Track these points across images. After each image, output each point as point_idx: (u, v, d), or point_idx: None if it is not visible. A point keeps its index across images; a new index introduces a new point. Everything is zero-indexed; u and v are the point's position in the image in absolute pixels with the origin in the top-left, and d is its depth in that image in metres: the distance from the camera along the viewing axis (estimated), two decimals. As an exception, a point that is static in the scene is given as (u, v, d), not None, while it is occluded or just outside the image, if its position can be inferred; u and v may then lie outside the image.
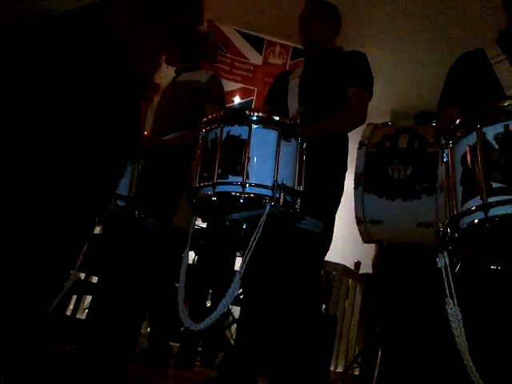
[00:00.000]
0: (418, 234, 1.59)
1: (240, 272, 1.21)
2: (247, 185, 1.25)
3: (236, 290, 1.21)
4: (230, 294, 1.20)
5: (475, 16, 3.88)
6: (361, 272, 4.23)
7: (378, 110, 4.73)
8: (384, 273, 3.06)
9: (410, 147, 1.64)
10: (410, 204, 1.56)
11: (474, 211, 1.00)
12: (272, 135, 1.32)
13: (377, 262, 3.71)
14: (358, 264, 4.39)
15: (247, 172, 1.26)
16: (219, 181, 1.27)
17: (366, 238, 1.76)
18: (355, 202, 1.75)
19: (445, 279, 1.03)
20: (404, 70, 4.84)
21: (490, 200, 0.97)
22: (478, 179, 1.00)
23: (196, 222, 1.54)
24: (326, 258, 1.87)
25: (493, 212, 0.96)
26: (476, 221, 0.99)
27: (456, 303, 1.02)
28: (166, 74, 2.62)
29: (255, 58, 4.71)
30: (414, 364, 2.48)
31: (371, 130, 1.84)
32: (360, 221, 1.71)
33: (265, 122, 1.33)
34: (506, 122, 1.00)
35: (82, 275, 3.65)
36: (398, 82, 5.03)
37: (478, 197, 0.99)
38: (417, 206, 1.54)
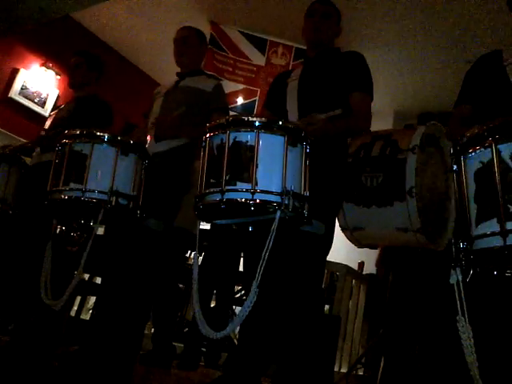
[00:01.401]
0: (398, 237, 1.61)
1: (257, 281, 1.22)
2: (256, 192, 1.26)
3: (254, 298, 1.22)
4: (248, 303, 1.22)
5: (478, 16, 3.87)
6: (364, 272, 4.22)
7: (381, 111, 4.73)
8: (387, 273, 3.05)
9: (382, 154, 1.66)
10: (385, 211, 1.58)
11: (491, 235, 0.97)
12: (278, 141, 1.33)
13: (380, 261, 3.70)
14: (361, 264, 4.38)
15: (256, 178, 1.26)
16: (228, 188, 1.27)
17: (356, 243, 1.79)
18: None
19: (457, 296, 1.02)
20: (407, 70, 4.83)
21: (508, 226, 0.94)
22: (495, 201, 0.97)
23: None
24: (329, 259, 1.87)
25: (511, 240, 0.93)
26: (494, 247, 0.97)
27: (467, 321, 1.01)
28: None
29: (258, 59, 4.72)
30: (418, 365, 2.47)
31: (349, 140, 1.86)
32: (344, 228, 1.74)
33: (271, 128, 1.33)
34: None
35: (86, 276, 3.67)
36: (400, 83, 5.03)
37: (495, 220, 0.97)
38: (391, 213, 1.56)
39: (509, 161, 0.98)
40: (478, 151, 1.04)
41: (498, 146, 0.99)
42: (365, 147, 1.74)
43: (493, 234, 0.97)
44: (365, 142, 1.76)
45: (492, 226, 0.98)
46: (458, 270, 1.04)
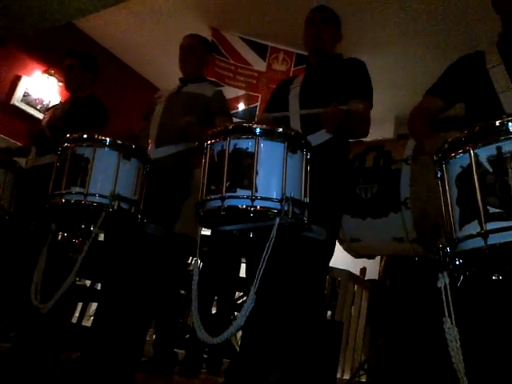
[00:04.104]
0: (395, 247, 1.61)
1: (254, 286, 1.23)
2: (256, 199, 1.26)
3: (252, 304, 1.22)
4: (245, 309, 1.22)
5: (480, 20, 3.88)
6: (366, 278, 4.21)
7: (382, 117, 4.73)
8: (392, 283, 3.03)
9: (376, 166, 1.66)
10: (380, 222, 1.58)
11: (473, 237, 1.01)
12: (278, 148, 1.33)
13: (385, 270, 3.68)
14: (363, 270, 4.37)
15: (255, 185, 1.27)
16: (228, 194, 1.28)
17: (354, 253, 1.79)
18: None
19: (444, 299, 1.04)
20: (408, 75, 4.84)
21: (489, 226, 0.97)
22: (475, 203, 1.00)
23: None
24: (331, 264, 1.87)
25: (492, 240, 0.97)
26: (475, 247, 1.00)
27: (454, 323, 1.03)
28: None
29: (259, 65, 4.73)
30: (420, 372, 2.46)
31: None
32: (341, 240, 1.73)
33: (271, 135, 1.34)
34: (497, 144, 1.00)
35: (88, 282, 3.66)
36: (402, 89, 5.03)
37: (476, 221, 1.00)
38: (386, 223, 1.56)
39: (486, 164, 1.01)
40: (457, 156, 1.08)
41: (476, 151, 1.03)
42: (358, 158, 1.74)
43: (474, 235, 1.00)
44: (358, 153, 1.76)
45: (474, 227, 1.01)
46: (446, 273, 1.06)
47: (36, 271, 1.81)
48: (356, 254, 1.77)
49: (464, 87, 1.64)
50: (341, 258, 2.46)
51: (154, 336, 3.14)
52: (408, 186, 1.50)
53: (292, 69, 4.66)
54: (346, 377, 3.40)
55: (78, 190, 1.67)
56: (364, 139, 1.89)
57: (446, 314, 1.03)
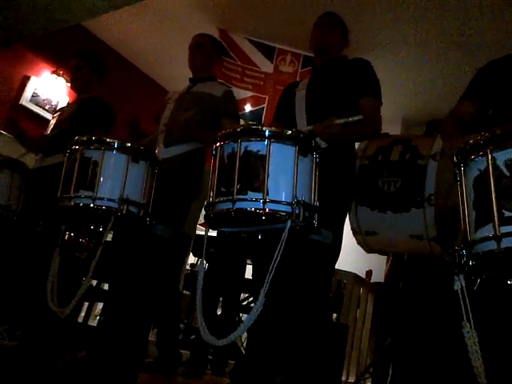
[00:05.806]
0: (412, 245, 1.58)
1: (264, 290, 1.22)
2: (267, 201, 1.26)
3: (261, 307, 1.22)
4: (254, 312, 1.22)
5: (485, 22, 3.86)
6: (372, 281, 4.19)
7: (389, 118, 4.71)
8: (405, 285, 3.01)
9: (401, 159, 1.64)
10: (400, 216, 1.55)
11: (487, 240, 1.01)
12: (289, 151, 1.33)
13: (390, 273, 3.66)
14: (369, 273, 4.35)
15: (267, 188, 1.26)
16: (238, 197, 1.27)
17: (367, 248, 1.76)
18: (349, 213, 1.75)
19: (461, 302, 1.03)
20: (415, 77, 4.83)
21: (503, 230, 0.97)
22: (490, 206, 1.00)
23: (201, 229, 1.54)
24: (336, 267, 1.86)
25: (505, 243, 0.97)
26: (489, 250, 1.00)
27: (473, 326, 1.02)
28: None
29: (266, 67, 4.74)
30: (426, 375, 2.44)
31: (366, 143, 1.84)
32: (356, 232, 1.71)
33: (281, 137, 1.33)
34: None
35: (94, 282, 3.67)
36: (409, 90, 5.02)
37: (491, 224, 1.00)
38: (407, 219, 1.54)
39: (503, 168, 1.00)
40: (476, 159, 1.08)
41: (494, 154, 1.02)
42: (383, 151, 1.71)
43: (488, 238, 1.00)
44: (382, 146, 1.74)
45: (488, 230, 1.01)
46: (462, 276, 1.05)
47: (50, 274, 1.82)
48: (369, 249, 1.74)
49: (495, 91, 1.63)
50: (346, 260, 2.45)
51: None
52: (434, 182, 1.48)
53: (299, 70, 4.65)
54: (352, 380, 3.38)
55: (86, 193, 1.68)
56: (389, 133, 1.88)
57: (465, 318, 1.02)
